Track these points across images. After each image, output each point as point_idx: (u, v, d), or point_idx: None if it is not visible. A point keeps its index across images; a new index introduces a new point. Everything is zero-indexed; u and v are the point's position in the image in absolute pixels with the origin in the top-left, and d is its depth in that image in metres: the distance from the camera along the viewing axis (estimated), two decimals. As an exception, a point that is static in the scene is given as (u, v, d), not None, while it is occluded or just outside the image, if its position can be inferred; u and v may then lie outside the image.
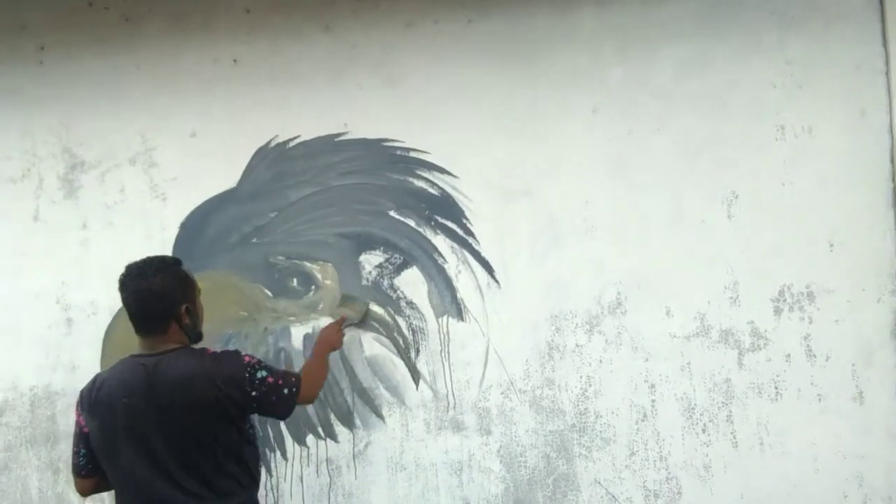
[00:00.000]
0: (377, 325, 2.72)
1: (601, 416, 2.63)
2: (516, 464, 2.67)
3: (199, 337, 2.09)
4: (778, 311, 2.55)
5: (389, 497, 2.72)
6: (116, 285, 2.76)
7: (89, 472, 2.03)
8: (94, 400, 1.95)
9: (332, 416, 2.74)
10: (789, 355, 2.54)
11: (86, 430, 1.99)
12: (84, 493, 2.12)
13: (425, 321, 2.70)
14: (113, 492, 2.03)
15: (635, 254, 2.60)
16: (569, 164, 2.64)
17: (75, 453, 2.04)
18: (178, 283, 2.04)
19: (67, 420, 2.84)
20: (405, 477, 2.72)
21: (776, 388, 2.55)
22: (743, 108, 2.59)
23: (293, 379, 2.10)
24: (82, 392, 2.02)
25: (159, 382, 1.91)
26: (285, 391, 2.05)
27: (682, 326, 2.59)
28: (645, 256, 2.59)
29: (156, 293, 1.98)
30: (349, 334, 2.67)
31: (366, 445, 2.73)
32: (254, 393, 1.98)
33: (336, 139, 2.74)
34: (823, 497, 2.54)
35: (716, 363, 2.58)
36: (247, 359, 2.02)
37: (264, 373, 2.01)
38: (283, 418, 2.20)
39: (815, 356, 2.54)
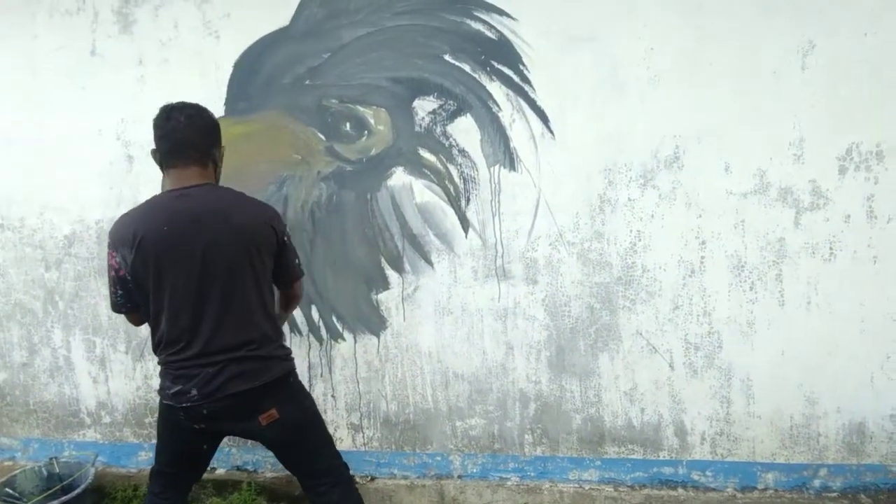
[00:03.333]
0: (429, 173, 2.72)
1: (648, 270, 2.65)
2: (560, 313, 2.73)
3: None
4: (843, 171, 2.46)
5: (436, 339, 2.84)
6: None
7: (130, 308, 2.11)
8: (130, 236, 1.95)
9: (383, 261, 2.81)
10: (849, 216, 2.48)
11: (121, 272, 2.01)
12: (136, 324, 2.23)
13: (477, 170, 2.69)
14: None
15: (699, 106, 2.50)
16: (635, 8, 2.50)
17: (112, 293, 2.09)
18: (217, 125, 2.14)
19: (132, 253, 2.99)
20: (451, 321, 2.81)
21: (831, 248, 2.51)
22: (831, -49, 2.39)
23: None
24: (111, 233, 2.02)
25: (205, 209, 1.96)
26: (297, 261, 2.24)
27: (739, 183, 2.53)
28: (709, 109, 2.50)
29: (208, 123, 2.08)
30: (400, 181, 2.71)
31: (414, 289, 2.82)
32: (285, 238, 2.14)
33: (391, -24, 2.63)
34: (865, 358, 2.56)
35: (771, 221, 2.54)
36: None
37: (289, 233, 2.21)
38: (286, 281, 2.24)
39: (875, 217, 2.47)
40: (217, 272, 1.96)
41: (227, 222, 1.97)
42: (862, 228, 2.48)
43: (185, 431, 2.10)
